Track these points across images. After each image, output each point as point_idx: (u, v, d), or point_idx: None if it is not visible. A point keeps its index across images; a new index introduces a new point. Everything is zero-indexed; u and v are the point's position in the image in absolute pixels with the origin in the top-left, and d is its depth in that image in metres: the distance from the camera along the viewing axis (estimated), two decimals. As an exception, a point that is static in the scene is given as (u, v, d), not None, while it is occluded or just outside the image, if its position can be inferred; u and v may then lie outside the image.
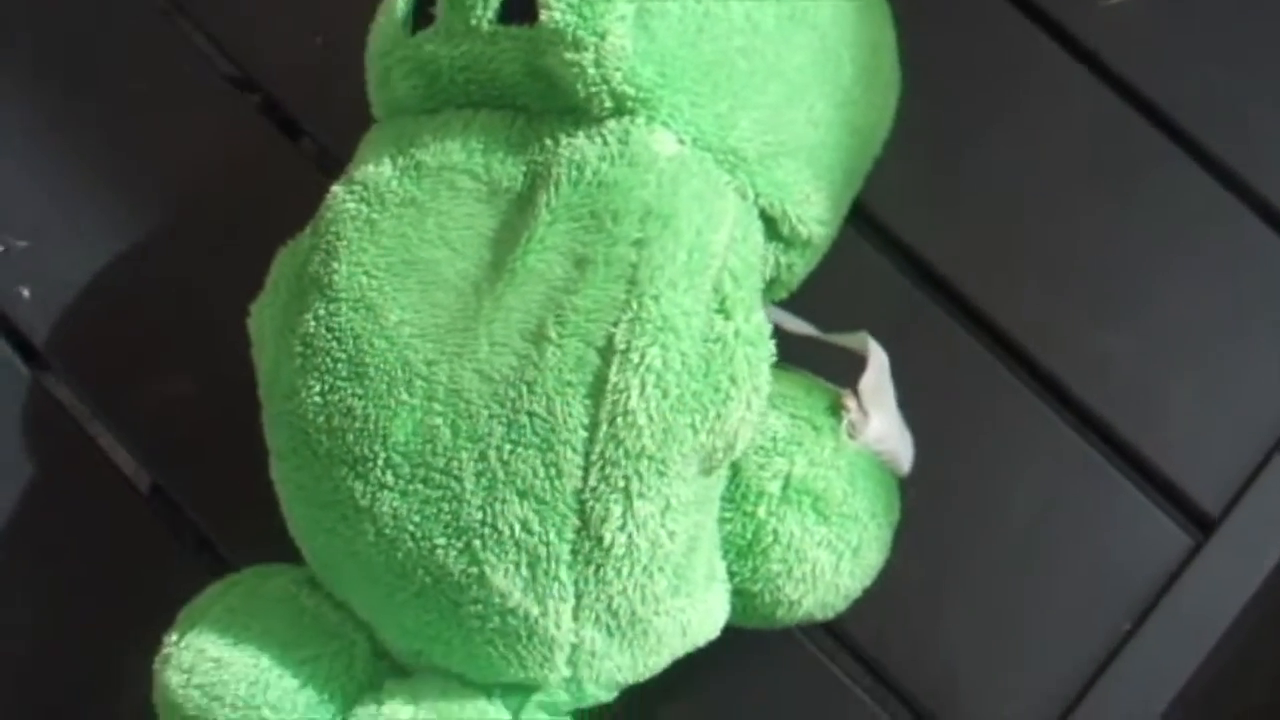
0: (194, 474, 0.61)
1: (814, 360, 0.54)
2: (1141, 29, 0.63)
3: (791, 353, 0.52)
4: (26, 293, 0.63)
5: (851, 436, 0.50)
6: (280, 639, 0.49)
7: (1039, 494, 0.59)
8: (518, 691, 0.47)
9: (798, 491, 0.49)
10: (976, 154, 0.62)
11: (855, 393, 0.51)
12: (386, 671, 0.50)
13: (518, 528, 0.44)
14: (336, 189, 0.49)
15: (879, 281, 0.60)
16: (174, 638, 0.50)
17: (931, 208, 0.61)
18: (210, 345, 0.61)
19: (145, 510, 0.61)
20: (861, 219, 0.57)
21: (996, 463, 0.59)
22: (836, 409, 0.51)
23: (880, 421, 0.51)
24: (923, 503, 0.54)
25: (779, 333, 0.51)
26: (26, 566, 0.61)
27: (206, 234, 0.64)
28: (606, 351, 0.43)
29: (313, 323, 0.47)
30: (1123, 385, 0.59)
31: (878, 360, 0.52)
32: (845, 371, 0.53)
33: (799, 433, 0.49)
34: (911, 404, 0.55)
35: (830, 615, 0.51)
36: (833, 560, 0.49)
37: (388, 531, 0.45)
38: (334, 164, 0.62)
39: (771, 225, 0.48)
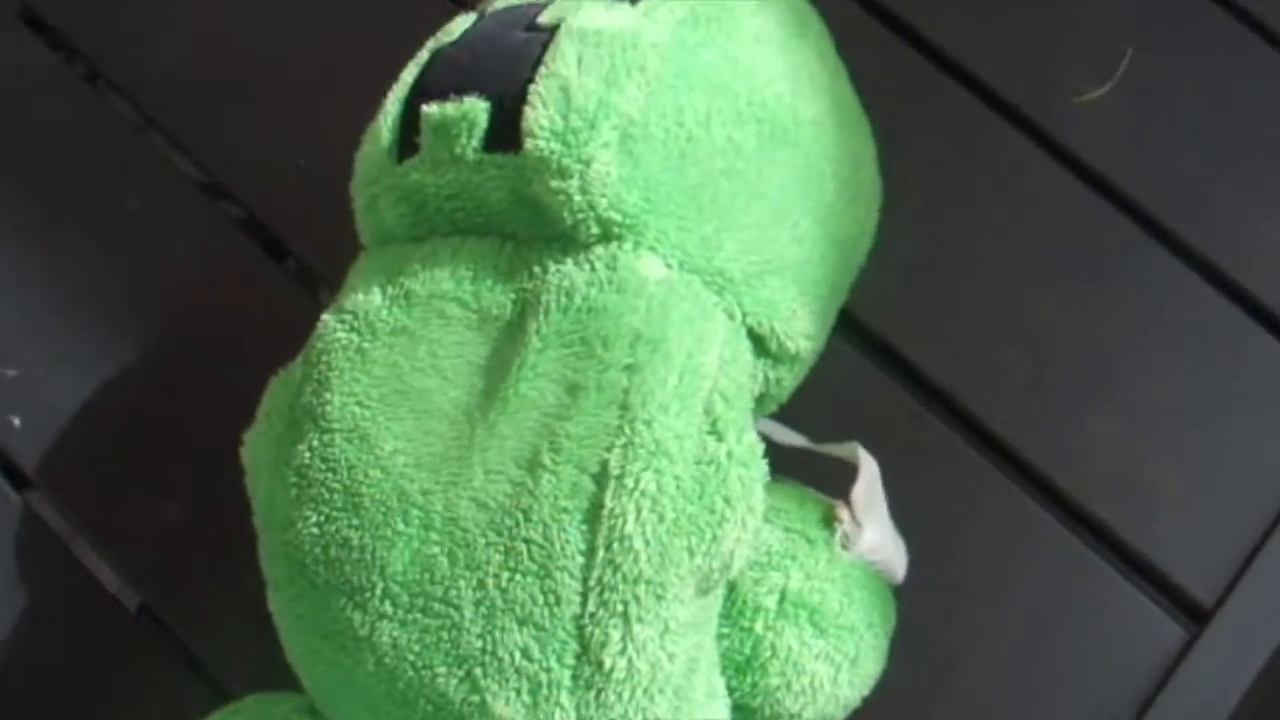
0: (184, 597, 0.60)
1: (805, 470, 0.54)
2: (1112, 123, 0.65)
3: (783, 463, 0.52)
4: (17, 421, 0.63)
5: (845, 548, 0.51)
6: (283, 768, 0.49)
7: (1035, 593, 0.59)
8: (521, 818, 0.47)
9: (794, 605, 0.49)
10: (955, 251, 0.63)
11: (848, 503, 0.51)
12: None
13: (518, 655, 0.44)
14: (327, 318, 0.49)
15: (865, 386, 0.61)
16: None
17: (912, 308, 0.62)
18: (200, 469, 0.61)
19: (133, 631, 0.61)
20: (846, 324, 0.58)
21: (991, 563, 0.60)
22: (830, 521, 0.51)
23: (873, 532, 0.51)
24: (919, 607, 0.54)
25: (770, 444, 0.51)
26: (16, 688, 0.60)
27: (193, 355, 0.64)
28: (601, 477, 0.44)
29: (307, 454, 0.47)
30: (1110, 476, 0.61)
31: (869, 470, 0.52)
32: (837, 481, 0.54)
33: (793, 546, 0.50)
34: (904, 507, 0.55)
35: (833, 726, 0.51)
36: (831, 672, 0.49)
37: (388, 661, 0.45)
38: (318, 283, 0.63)
39: (760, 343, 0.49)
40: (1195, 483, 0.60)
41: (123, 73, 0.70)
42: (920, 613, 0.55)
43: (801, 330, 0.49)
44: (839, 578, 0.50)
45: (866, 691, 0.52)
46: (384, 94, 0.52)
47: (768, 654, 0.49)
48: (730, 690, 0.49)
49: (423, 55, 0.51)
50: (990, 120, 0.65)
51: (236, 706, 0.52)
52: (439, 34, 0.52)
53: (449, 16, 0.53)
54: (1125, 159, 0.65)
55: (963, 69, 0.66)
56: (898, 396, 0.61)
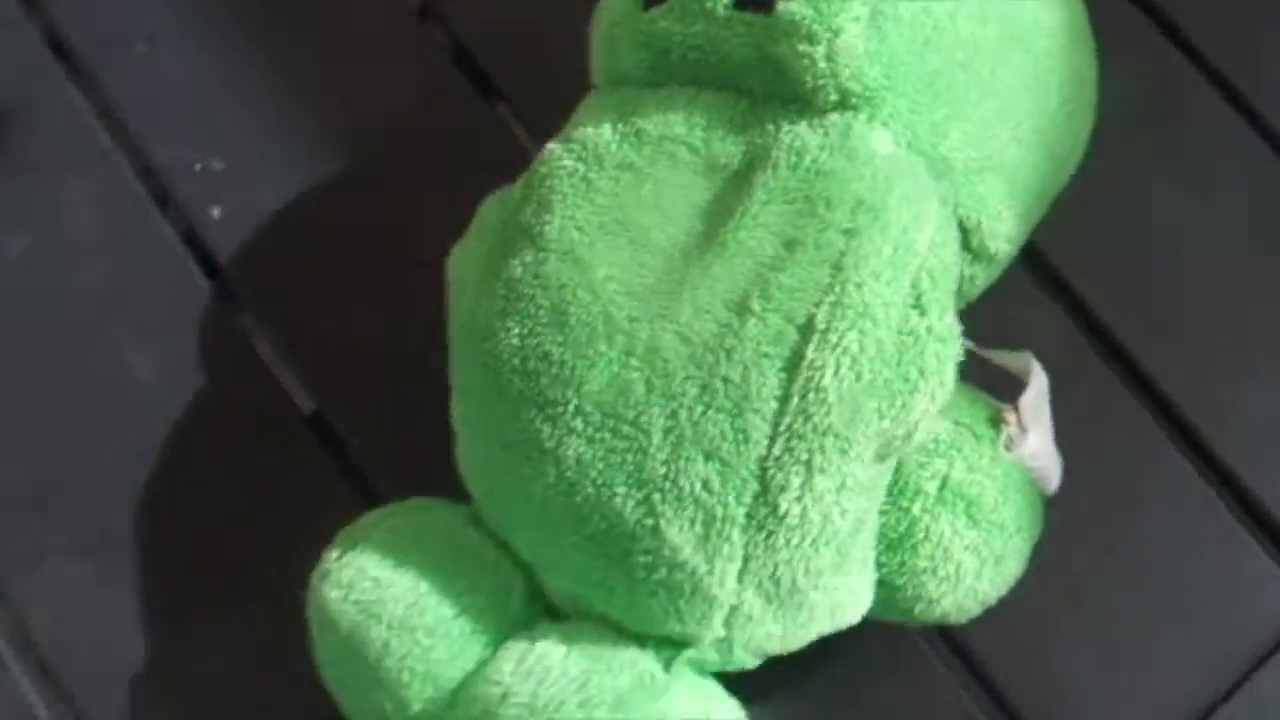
0: (357, 406, 0.63)
1: (976, 376, 0.56)
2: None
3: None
4: (216, 212, 0.65)
5: (1008, 449, 0.52)
6: (440, 568, 0.51)
7: (1167, 538, 0.60)
8: (669, 646, 0.49)
9: (953, 494, 0.51)
10: (1142, 202, 0.64)
11: (1015, 408, 0.53)
12: (540, 614, 0.51)
13: (699, 486, 0.46)
14: (553, 146, 0.51)
15: (1035, 312, 0.62)
16: (335, 554, 0.52)
17: (1095, 250, 0.63)
18: (389, 284, 0.63)
19: (302, 432, 0.63)
20: (1026, 251, 0.59)
21: (1127, 500, 0.60)
22: (996, 421, 0.52)
23: (1036, 438, 0.53)
24: (1057, 528, 0.56)
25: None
26: (186, 473, 0.63)
27: (393, 174, 0.66)
28: (806, 330, 0.45)
29: (519, 268, 0.49)
30: (1258, 441, 0.61)
31: (1039, 382, 0.54)
32: (1003, 390, 0.55)
33: (960, 438, 0.51)
34: (1057, 433, 0.56)
35: (964, 619, 0.53)
36: (976, 565, 0.51)
37: (569, 475, 0.47)
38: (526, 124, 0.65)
39: (965, 235, 0.50)
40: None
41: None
42: (1054, 536, 0.56)
43: (1004, 232, 0.51)
44: (999, 475, 0.51)
45: (1004, 591, 0.53)
46: None
47: (921, 536, 0.50)
48: (879, 566, 0.51)
49: (675, -87, 0.52)
50: (1195, 80, 0.66)
51: (397, 507, 0.55)
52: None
53: None
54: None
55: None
56: (1062, 324, 0.62)
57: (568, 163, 0.50)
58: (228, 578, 0.61)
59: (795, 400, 0.45)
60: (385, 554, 0.51)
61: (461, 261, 0.53)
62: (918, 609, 0.52)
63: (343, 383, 0.63)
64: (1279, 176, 0.64)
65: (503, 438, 0.49)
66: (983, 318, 0.54)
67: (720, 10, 0.49)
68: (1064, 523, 0.57)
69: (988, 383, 0.56)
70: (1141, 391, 0.62)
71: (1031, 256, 0.60)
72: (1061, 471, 0.55)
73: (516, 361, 0.49)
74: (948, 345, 0.47)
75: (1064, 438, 0.56)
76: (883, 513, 0.51)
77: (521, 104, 0.67)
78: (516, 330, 0.49)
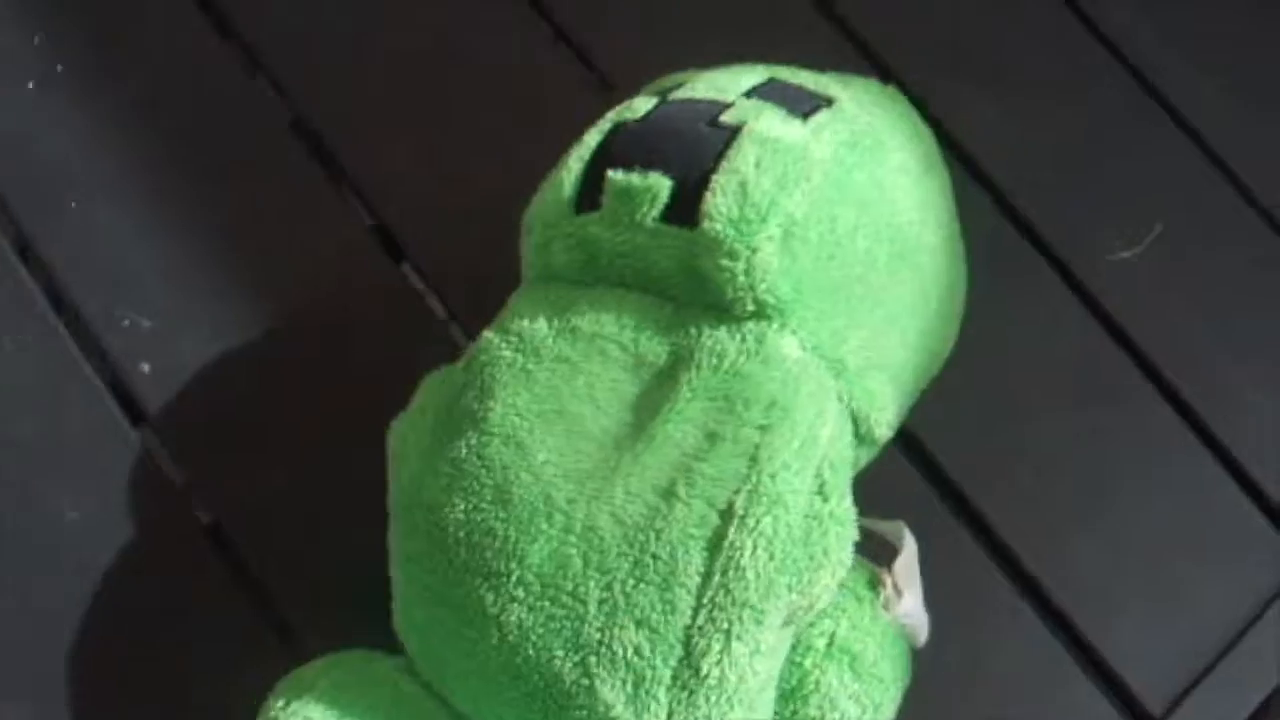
0: (276, 558, 0.67)
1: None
2: (1140, 283, 0.74)
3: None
4: (146, 368, 0.69)
5: (885, 609, 0.59)
6: (383, 718, 0.56)
7: (1008, 676, 0.68)
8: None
9: (839, 650, 0.57)
10: (986, 369, 0.72)
11: (891, 572, 0.60)
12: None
13: (630, 651, 0.52)
14: (491, 336, 0.57)
15: (896, 479, 0.70)
16: (280, 703, 0.57)
17: (938, 403, 0.71)
18: (306, 442, 0.67)
19: (223, 575, 0.67)
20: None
21: (973, 642, 0.68)
22: (875, 584, 0.60)
23: (909, 599, 0.60)
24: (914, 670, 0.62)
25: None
26: (111, 616, 0.66)
27: (310, 336, 0.71)
28: (727, 515, 0.52)
29: (464, 449, 0.55)
30: (1087, 586, 0.69)
31: (910, 547, 0.61)
32: (879, 554, 0.62)
33: (845, 600, 0.58)
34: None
35: (841, 763, 0.60)
36: (858, 712, 0.58)
37: (511, 639, 0.53)
38: (429, 282, 0.70)
39: (855, 425, 0.57)
40: (1162, 605, 0.69)
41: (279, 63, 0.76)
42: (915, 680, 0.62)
43: (888, 420, 0.58)
44: (878, 633, 0.58)
45: (880, 734, 0.60)
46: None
47: (811, 687, 0.57)
48: (776, 713, 0.57)
49: (604, 124, 0.59)
50: (1035, 261, 0.74)
51: (339, 656, 0.59)
52: (620, 108, 0.60)
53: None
54: (1142, 315, 0.74)
55: (1016, 212, 0.75)
56: (909, 480, 0.69)
57: (506, 353, 0.56)
58: (161, 714, 0.63)
59: (717, 577, 0.51)
60: (330, 704, 0.56)
61: (403, 435, 0.58)
62: (805, 752, 0.58)
63: (269, 536, 0.67)
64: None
65: (447, 602, 0.54)
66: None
67: (648, 222, 0.55)
68: (926, 666, 0.63)
69: (865, 547, 0.63)
70: (989, 548, 0.69)
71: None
72: (929, 626, 0.62)
73: (462, 534, 0.54)
74: (846, 527, 0.53)
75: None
76: (778, 666, 0.57)
77: (431, 270, 0.72)
78: (462, 506, 0.54)
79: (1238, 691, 0.68)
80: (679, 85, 0.60)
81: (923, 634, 0.61)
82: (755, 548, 0.51)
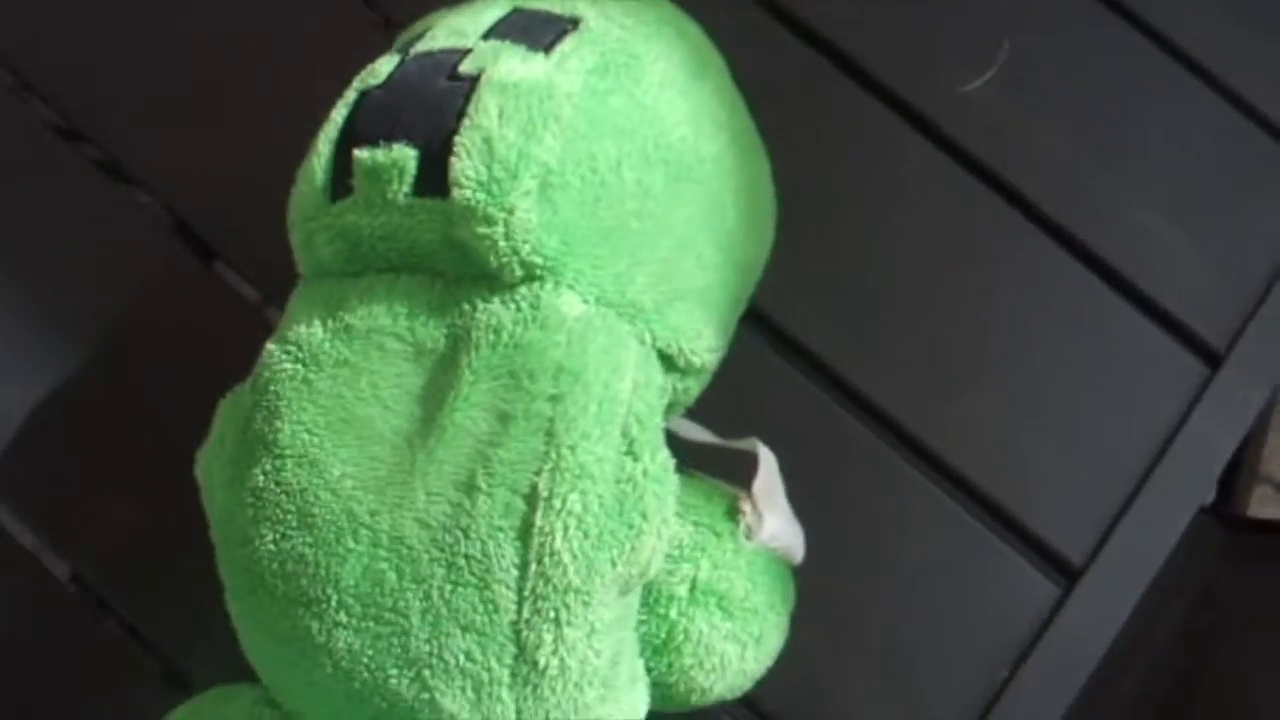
0: (144, 597, 0.65)
1: (711, 459, 0.60)
2: (992, 112, 0.70)
3: (691, 456, 0.57)
4: (-34, 431, 0.67)
5: (749, 538, 0.56)
6: (247, 758, 0.54)
7: (918, 557, 0.65)
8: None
9: (704, 593, 0.55)
10: (844, 240, 0.68)
11: (750, 496, 0.57)
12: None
13: (462, 657, 0.49)
14: (272, 348, 0.54)
15: (761, 370, 0.66)
16: (143, 762, 0.55)
17: (805, 295, 0.67)
18: (149, 471, 0.65)
19: (94, 629, 0.66)
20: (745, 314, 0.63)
21: (877, 528, 0.66)
22: (734, 513, 0.57)
23: (774, 522, 0.57)
24: (814, 570, 0.60)
25: (679, 440, 0.57)
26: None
27: (132, 359, 0.68)
28: (531, 498, 0.49)
29: (261, 477, 0.52)
30: (986, 446, 0.66)
31: (767, 463, 0.58)
32: (740, 468, 0.59)
33: (702, 539, 0.55)
34: (797, 481, 0.60)
35: (739, 695, 0.58)
36: (738, 650, 0.55)
37: (344, 664, 0.51)
38: (249, 288, 0.67)
39: (669, 361, 0.54)
40: (1067, 452, 0.67)
41: (46, 82, 0.72)
42: (813, 577, 0.60)
43: (706, 346, 0.55)
44: (744, 565, 0.56)
45: (770, 663, 0.58)
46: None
47: (681, 637, 0.55)
48: (648, 669, 0.55)
49: (350, 96, 0.55)
50: (876, 111, 0.70)
51: (197, 703, 0.57)
52: (364, 74, 0.55)
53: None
54: (1006, 147, 0.70)
55: (849, 61, 0.71)
56: (791, 378, 0.67)
57: (288, 366, 0.53)
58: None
59: (533, 566, 0.49)
60: (192, 754, 0.54)
61: (208, 467, 0.55)
62: (693, 699, 0.56)
63: (136, 576, 0.65)
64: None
65: (277, 634, 0.52)
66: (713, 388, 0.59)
67: (401, 199, 0.52)
68: (828, 563, 0.61)
69: (723, 466, 0.60)
70: (879, 429, 0.66)
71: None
72: (803, 540, 0.59)
73: (275, 565, 0.51)
74: (664, 484, 0.50)
75: (809, 480, 0.61)
76: (642, 621, 0.55)
77: (243, 264, 0.69)
78: (270, 536, 0.52)
79: (1158, 527, 0.66)
80: (421, 35, 0.55)
81: (798, 550, 0.58)
82: (567, 529, 0.49)
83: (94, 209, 0.70)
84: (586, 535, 0.49)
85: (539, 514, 0.48)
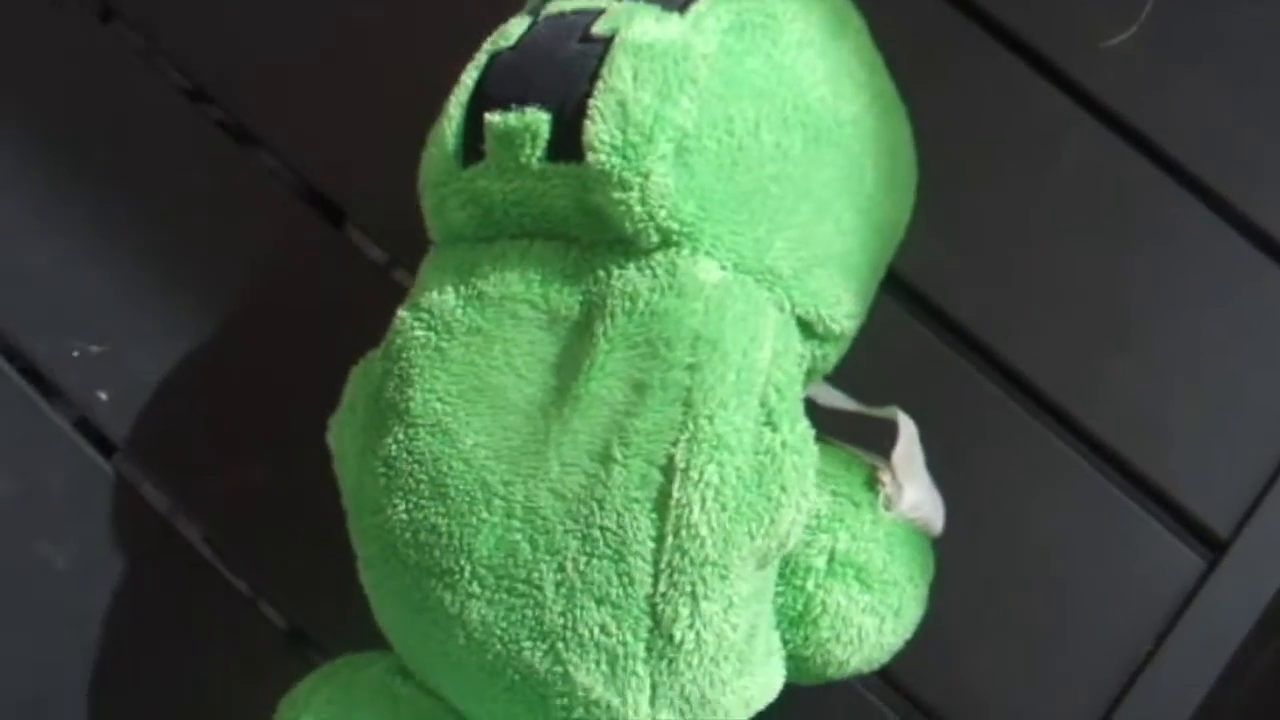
0: (273, 562, 0.65)
1: (851, 427, 0.58)
2: (1137, 67, 0.67)
3: (830, 422, 0.56)
4: (104, 395, 0.67)
5: (888, 509, 0.55)
6: (380, 725, 0.54)
7: (1058, 526, 0.63)
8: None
9: (842, 565, 0.54)
10: (985, 203, 0.66)
11: (889, 465, 0.56)
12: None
13: (597, 630, 0.49)
14: (404, 314, 0.53)
15: (900, 335, 0.65)
16: (279, 727, 0.55)
17: (944, 255, 0.65)
18: (283, 434, 0.65)
19: (228, 594, 0.66)
20: (885, 278, 0.61)
21: (1016, 499, 0.64)
22: (873, 483, 0.55)
23: (913, 492, 0.55)
24: (952, 542, 0.59)
25: (816, 407, 0.56)
26: (116, 656, 0.65)
27: (264, 323, 0.68)
28: (668, 470, 0.48)
29: (393, 446, 0.51)
30: (1130, 414, 0.64)
31: (907, 431, 0.57)
32: (880, 436, 0.58)
33: (840, 510, 0.54)
34: (936, 449, 0.59)
35: (875, 668, 0.56)
36: (876, 623, 0.54)
37: (477, 636, 0.50)
38: (378, 250, 0.67)
39: (807, 328, 0.52)
40: (1212, 419, 0.64)
41: (176, 46, 0.72)
42: (950, 549, 0.59)
43: (845, 312, 0.53)
44: (882, 537, 0.54)
45: (908, 636, 0.56)
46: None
47: (819, 610, 0.53)
48: (785, 642, 0.54)
49: (480, 58, 0.54)
50: (1017, 68, 0.68)
51: (329, 669, 0.57)
52: (495, 36, 0.54)
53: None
54: (1150, 103, 0.67)
55: (989, 17, 0.68)
56: (930, 344, 0.65)
57: (420, 334, 0.52)
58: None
59: (670, 539, 0.48)
60: (327, 720, 0.54)
61: (339, 436, 0.55)
62: (830, 672, 0.55)
63: (264, 541, 0.65)
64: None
65: (409, 604, 0.52)
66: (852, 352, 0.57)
67: (534, 164, 0.51)
68: (962, 532, 0.60)
69: (862, 433, 0.58)
70: (1017, 394, 0.64)
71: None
72: (943, 510, 0.58)
73: (408, 535, 0.51)
74: (804, 455, 0.49)
75: (947, 448, 0.59)
76: (779, 593, 0.54)
77: (372, 226, 0.68)
78: (402, 506, 0.51)
79: (1309, 495, 0.62)
80: (551, -2, 0.54)
81: (937, 521, 0.57)
82: (704, 500, 0.47)
83: (220, 172, 0.69)
84: (724, 508, 0.47)
85: (676, 485, 0.47)
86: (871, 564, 0.54)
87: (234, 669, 0.64)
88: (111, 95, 0.71)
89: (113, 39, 0.72)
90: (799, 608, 0.53)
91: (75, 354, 0.67)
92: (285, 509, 0.65)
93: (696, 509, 0.47)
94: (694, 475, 0.47)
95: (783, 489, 0.48)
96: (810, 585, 0.53)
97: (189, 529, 0.65)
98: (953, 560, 0.59)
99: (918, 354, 0.65)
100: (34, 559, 0.66)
